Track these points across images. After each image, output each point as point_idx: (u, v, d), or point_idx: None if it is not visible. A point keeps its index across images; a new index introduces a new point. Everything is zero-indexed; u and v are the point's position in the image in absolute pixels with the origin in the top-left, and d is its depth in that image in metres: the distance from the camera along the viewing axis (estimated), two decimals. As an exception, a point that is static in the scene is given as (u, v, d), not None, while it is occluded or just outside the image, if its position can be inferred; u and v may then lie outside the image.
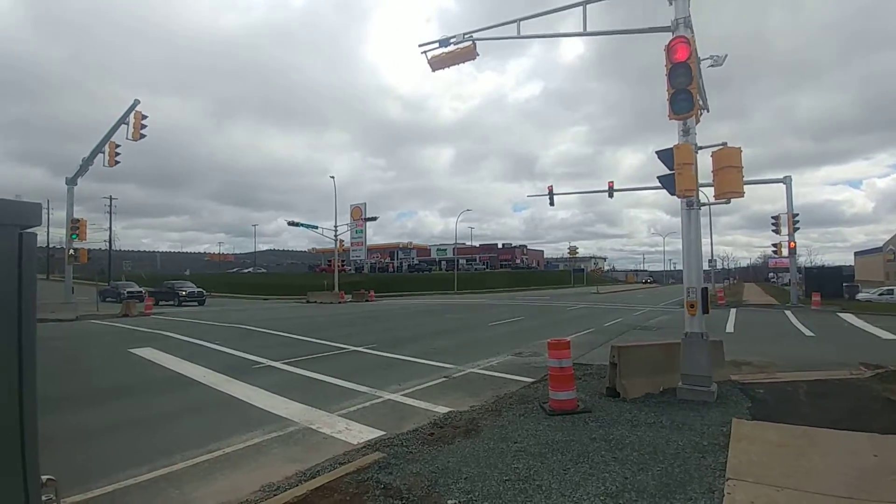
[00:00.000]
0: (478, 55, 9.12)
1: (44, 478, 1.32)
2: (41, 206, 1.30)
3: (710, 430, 5.20)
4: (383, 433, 5.46)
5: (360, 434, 5.53)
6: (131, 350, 11.85)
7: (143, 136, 21.59)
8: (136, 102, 22.02)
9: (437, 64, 9.39)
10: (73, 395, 7.38)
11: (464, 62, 9.29)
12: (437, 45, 9.28)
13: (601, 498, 3.67)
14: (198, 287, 34.02)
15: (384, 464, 4.41)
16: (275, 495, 3.88)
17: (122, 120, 22.04)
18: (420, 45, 9.36)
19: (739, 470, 4.11)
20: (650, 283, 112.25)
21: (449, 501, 3.67)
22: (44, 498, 1.32)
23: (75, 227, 23.82)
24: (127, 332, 16.09)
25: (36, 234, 1.30)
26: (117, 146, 22.75)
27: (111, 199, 58.94)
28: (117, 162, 22.93)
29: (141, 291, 33.89)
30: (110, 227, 59.40)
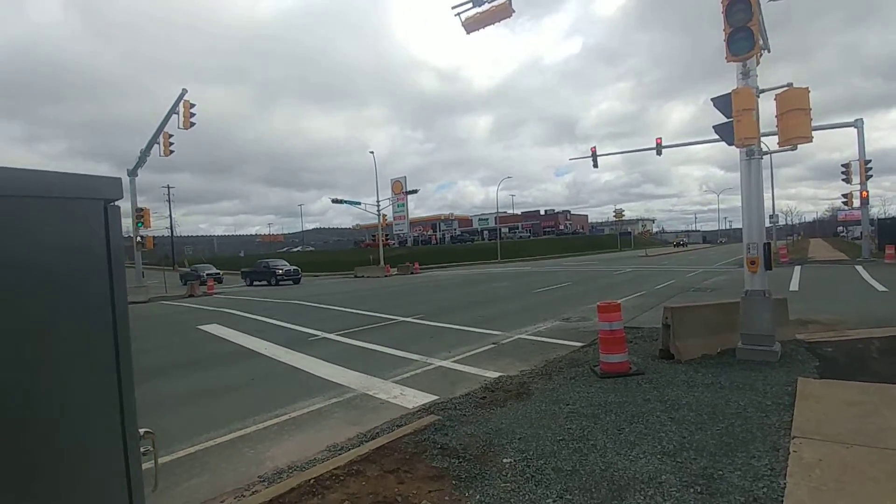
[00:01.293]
0: (513, 11, 8.74)
1: (141, 430, 1.47)
2: (121, 180, 1.41)
3: (774, 389, 5.00)
4: (437, 398, 5.64)
5: (415, 399, 5.74)
6: (199, 327, 12.74)
7: (192, 124, 22.55)
8: (184, 92, 22.90)
9: (471, 26, 9.10)
10: (149, 368, 8.06)
11: (499, 21, 8.94)
12: (470, 5, 8.96)
13: (658, 457, 3.65)
14: (292, 265, 32.54)
15: (439, 426, 4.56)
16: (339, 454, 4.13)
17: (173, 110, 23.06)
18: (453, 7, 9.07)
19: (806, 428, 3.95)
20: (683, 245, 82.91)
21: (504, 460, 3.77)
22: (142, 449, 1.48)
23: (140, 216, 25.50)
24: (194, 311, 17.27)
25: (119, 207, 1.42)
26: (171, 136, 23.91)
27: (168, 188, 62.49)
28: (171, 151, 24.15)
29: (219, 273, 34.68)
30: (170, 215, 63.24)
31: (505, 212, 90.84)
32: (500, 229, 71.15)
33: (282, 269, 31.45)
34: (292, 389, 6.44)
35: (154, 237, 30.31)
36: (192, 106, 22.39)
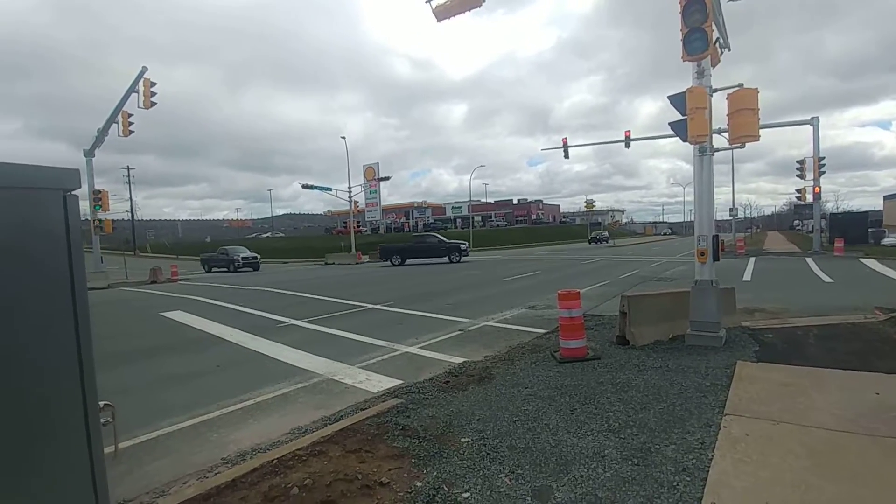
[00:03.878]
0: (484, 0, 8.79)
1: (101, 403, 1.56)
2: (79, 171, 1.49)
3: (714, 372, 5.38)
4: (401, 382, 5.79)
5: (380, 383, 5.88)
6: (162, 314, 12.47)
7: (153, 103, 21.72)
8: (144, 70, 22.00)
9: (442, 13, 9.11)
10: (111, 355, 7.90)
11: (470, 10, 8.98)
12: (440, -7, 8.96)
13: (604, 434, 3.91)
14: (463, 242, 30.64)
15: (402, 408, 4.72)
16: (303, 435, 4.24)
17: (132, 88, 22.14)
18: (423, -5, 9.05)
19: (738, 407, 4.30)
20: (604, 241, 58.95)
21: (462, 439, 3.97)
22: (102, 420, 1.57)
23: (98, 199, 24.49)
24: (157, 298, 16.84)
25: (78, 197, 1.50)
26: (130, 115, 22.99)
27: (128, 169, 59.90)
28: (131, 131, 23.23)
29: (256, 258, 30.02)
30: (130, 197, 60.69)
31: (478, 200, 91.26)
32: (472, 217, 71.49)
33: (463, 246, 28.99)
34: (258, 375, 6.47)
35: (113, 221, 29.10)
36: (153, 85, 21.55)
